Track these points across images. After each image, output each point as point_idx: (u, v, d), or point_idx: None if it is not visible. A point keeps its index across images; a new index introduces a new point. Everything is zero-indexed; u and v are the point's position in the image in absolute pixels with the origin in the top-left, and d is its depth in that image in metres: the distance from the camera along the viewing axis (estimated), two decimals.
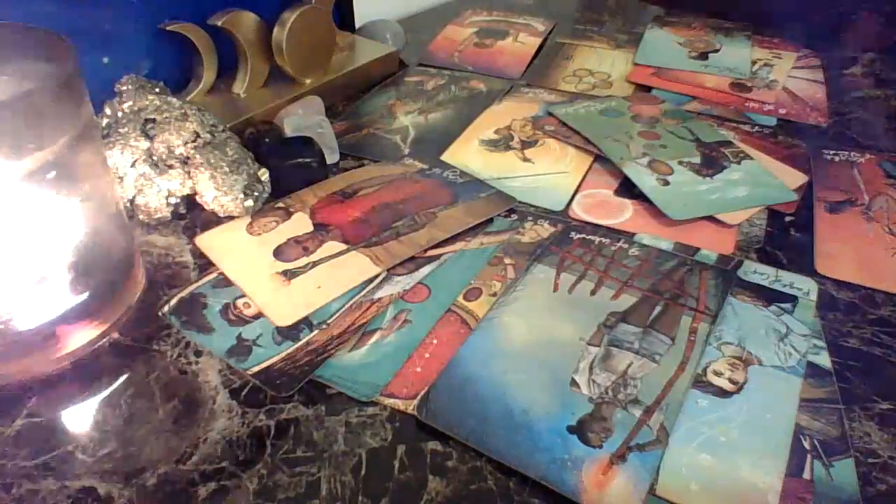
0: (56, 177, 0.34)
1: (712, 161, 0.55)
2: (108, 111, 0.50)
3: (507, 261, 0.46)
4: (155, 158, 0.47)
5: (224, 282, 0.44)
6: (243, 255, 0.46)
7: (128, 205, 0.47)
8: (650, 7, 0.88)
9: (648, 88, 0.68)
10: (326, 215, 0.49)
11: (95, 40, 0.54)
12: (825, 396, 0.37)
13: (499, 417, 0.35)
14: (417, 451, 0.34)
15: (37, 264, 0.36)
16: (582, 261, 0.45)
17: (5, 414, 0.35)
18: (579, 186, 0.53)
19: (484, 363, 0.38)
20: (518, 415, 0.35)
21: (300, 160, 0.52)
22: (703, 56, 0.73)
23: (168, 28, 0.55)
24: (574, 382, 0.37)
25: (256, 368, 0.38)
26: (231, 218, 0.49)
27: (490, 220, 0.49)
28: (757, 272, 0.45)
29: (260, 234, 0.47)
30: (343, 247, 0.46)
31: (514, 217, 0.50)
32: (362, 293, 0.43)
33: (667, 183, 0.52)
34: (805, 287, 0.44)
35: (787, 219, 0.50)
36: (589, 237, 0.48)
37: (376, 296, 0.43)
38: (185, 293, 0.43)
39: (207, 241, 0.47)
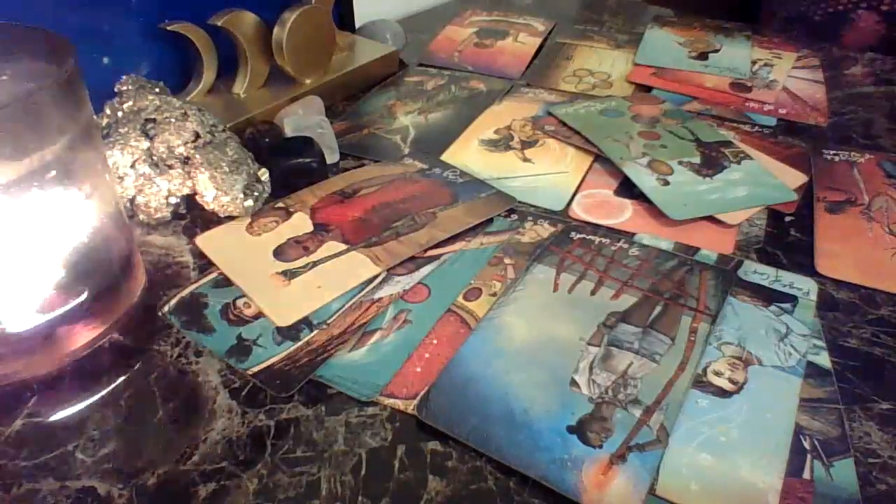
0: (56, 177, 0.34)
1: (712, 161, 0.55)
2: (108, 111, 0.50)
3: (507, 261, 0.46)
4: (155, 158, 0.47)
5: (224, 282, 0.44)
6: (243, 255, 0.46)
7: (128, 205, 0.47)
8: (650, 7, 0.88)
9: (648, 88, 0.68)
10: (326, 215, 0.49)
11: (95, 40, 0.54)
12: (825, 396, 0.37)
13: (499, 417, 0.35)
14: (417, 451, 0.34)
15: (37, 264, 0.36)
16: (582, 261, 0.45)
17: (5, 414, 0.35)
18: (579, 186, 0.53)
19: (484, 363, 0.38)
20: (518, 415, 0.35)
21: (300, 160, 0.52)
22: (703, 56, 0.73)
23: (168, 28, 0.55)
24: (574, 382, 0.37)
25: (256, 368, 0.38)
26: (231, 218, 0.49)
27: (490, 220, 0.49)
28: (757, 272, 0.45)
29: (260, 234, 0.47)
30: (343, 247, 0.46)
31: (514, 217, 0.50)
32: (362, 293, 0.43)
33: (667, 183, 0.52)
34: (805, 287, 0.44)
35: (787, 219, 0.50)
36: (589, 237, 0.48)
37: (376, 296, 0.43)
38: (185, 293, 0.43)
39: (207, 241, 0.47)
